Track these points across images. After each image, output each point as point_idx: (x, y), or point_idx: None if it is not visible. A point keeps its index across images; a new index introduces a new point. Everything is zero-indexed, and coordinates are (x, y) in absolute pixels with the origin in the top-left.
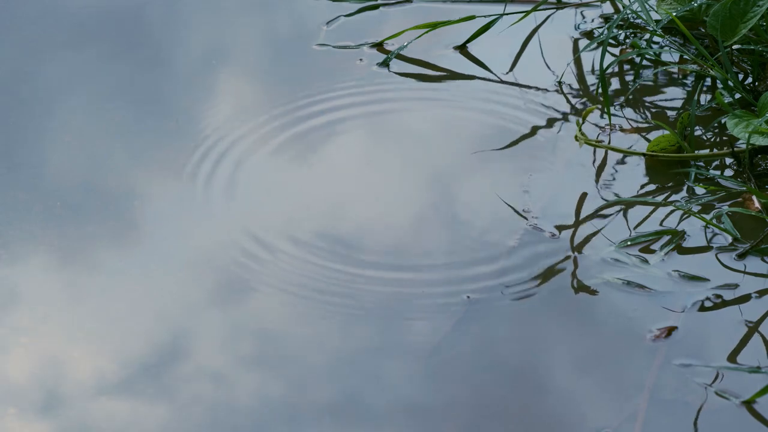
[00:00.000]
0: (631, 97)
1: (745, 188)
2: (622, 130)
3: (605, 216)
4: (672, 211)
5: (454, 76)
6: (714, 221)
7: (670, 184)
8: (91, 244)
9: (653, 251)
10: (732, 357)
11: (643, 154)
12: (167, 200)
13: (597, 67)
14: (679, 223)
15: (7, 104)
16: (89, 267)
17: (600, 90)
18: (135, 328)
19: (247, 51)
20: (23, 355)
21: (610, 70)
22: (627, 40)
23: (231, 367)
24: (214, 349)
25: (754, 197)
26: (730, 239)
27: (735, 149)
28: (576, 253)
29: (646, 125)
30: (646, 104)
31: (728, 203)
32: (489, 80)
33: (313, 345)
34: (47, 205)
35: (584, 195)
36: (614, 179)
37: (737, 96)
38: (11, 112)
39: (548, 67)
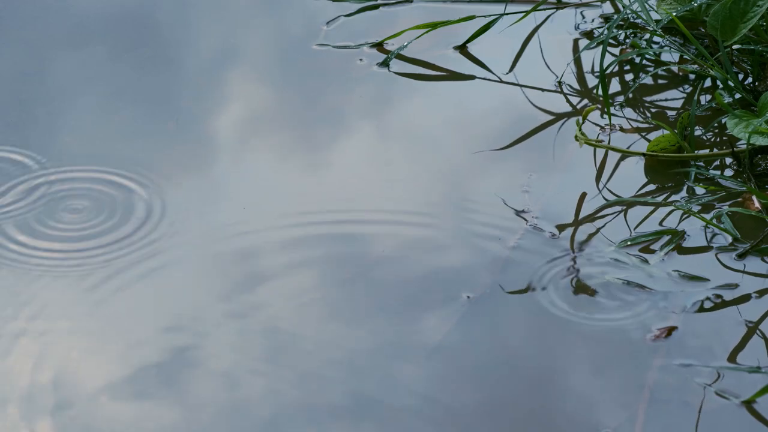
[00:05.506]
0: (631, 96)
1: (745, 188)
2: (622, 130)
3: (605, 216)
4: (672, 211)
5: (454, 76)
6: (714, 221)
7: (670, 184)
8: (93, 243)
9: (653, 251)
10: (732, 357)
11: (643, 154)
12: (171, 199)
13: (597, 67)
14: (679, 223)
15: (7, 104)
16: (90, 266)
17: (600, 90)
18: (136, 328)
19: (246, 51)
20: (23, 355)
21: (610, 70)
22: (627, 40)
23: (238, 366)
24: (218, 348)
25: (754, 197)
26: (730, 239)
27: (735, 149)
28: (576, 253)
29: (646, 125)
30: (646, 104)
31: (728, 203)
32: (489, 80)
33: (315, 344)
34: (48, 204)
35: (584, 195)
36: (614, 179)
37: (737, 96)
38: (12, 112)
39: (548, 67)
